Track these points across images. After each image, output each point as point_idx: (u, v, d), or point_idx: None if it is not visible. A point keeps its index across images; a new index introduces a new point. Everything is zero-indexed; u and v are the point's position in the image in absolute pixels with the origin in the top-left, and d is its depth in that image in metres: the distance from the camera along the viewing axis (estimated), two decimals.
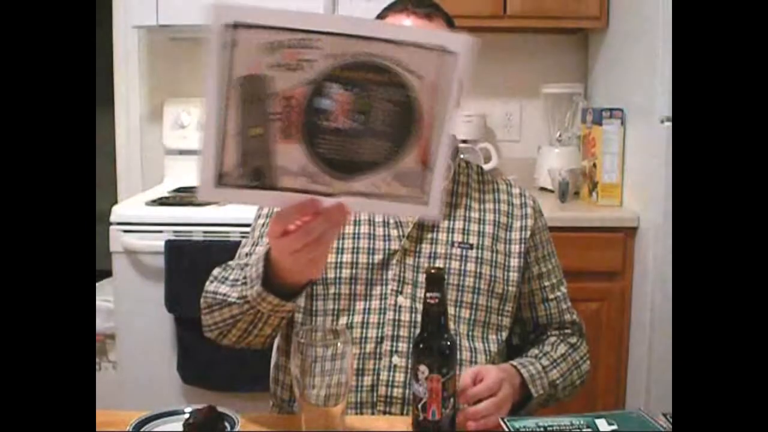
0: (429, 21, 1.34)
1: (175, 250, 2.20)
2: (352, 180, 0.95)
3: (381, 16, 1.38)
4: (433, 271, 1.10)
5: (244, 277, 1.18)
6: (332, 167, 0.94)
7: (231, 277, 1.24)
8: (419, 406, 1.09)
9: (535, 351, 1.38)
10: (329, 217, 0.96)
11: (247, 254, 1.36)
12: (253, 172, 0.93)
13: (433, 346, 1.09)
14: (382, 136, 0.94)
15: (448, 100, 0.94)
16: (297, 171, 0.93)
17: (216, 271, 1.30)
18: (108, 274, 2.36)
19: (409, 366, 1.21)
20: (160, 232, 2.23)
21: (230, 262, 1.29)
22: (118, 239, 2.24)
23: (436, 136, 0.95)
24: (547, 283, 1.42)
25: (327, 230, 0.98)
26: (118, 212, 2.29)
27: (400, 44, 0.91)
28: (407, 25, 1.33)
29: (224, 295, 1.22)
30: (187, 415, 1.10)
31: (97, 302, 2.49)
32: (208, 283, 1.29)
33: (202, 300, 1.29)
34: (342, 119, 0.92)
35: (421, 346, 1.09)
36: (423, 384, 1.08)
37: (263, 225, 1.39)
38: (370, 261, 1.32)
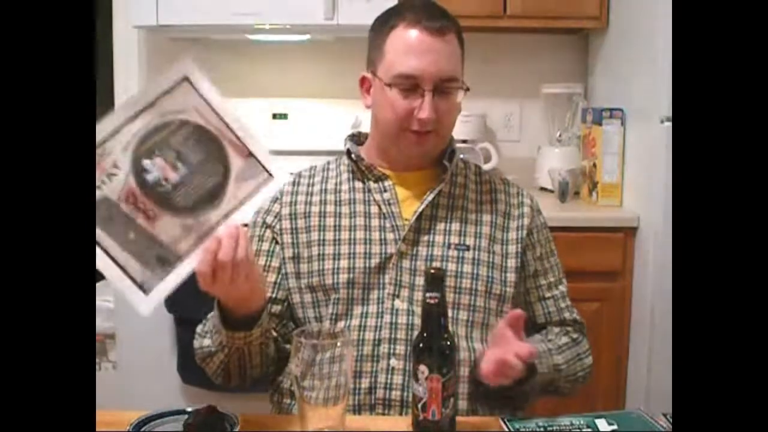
0: (442, 37, 1.31)
1: None
2: (219, 205, 1.13)
3: (392, 26, 1.34)
4: (432, 271, 1.10)
5: (213, 325, 1.24)
6: (198, 208, 1.12)
7: (207, 329, 1.29)
8: (419, 406, 1.08)
9: (539, 336, 1.38)
10: (230, 240, 1.10)
11: None
12: (157, 262, 1.11)
13: (433, 346, 1.09)
14: (205, 162, 1.12)
15: (219, 103, 1.12)
16: (182, 233, 1.11)
17: (199, 328, 1.34)
18: None
19: (409, 366, 1.22)
20: None
21: (209, 315, 1.31)
22: None
23: (236, 131, 1.13)
24: (543, 282, 1.41)
25: (236, 248, 1.10)
26: None
27: (156, 102, 1.11)
28: (415, 36, 1.31)
29: (207, 347, 1.28)
30: (187, 415, 1.10)
31: (97, 302, 2.48)
32: (194, 341, 1.33)
33: (196, 357, 1.33)
34: (172, 175, 1.11)
35: (420, 346, 1.09)
36: (423, 384, 1.08)
37: (262, 225, 1.40)
38: (367, 265, 1.32)
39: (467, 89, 1.36)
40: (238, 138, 1.13)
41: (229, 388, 1.34)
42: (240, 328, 1.20)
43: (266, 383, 1.40)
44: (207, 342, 1.28)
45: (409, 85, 1.31)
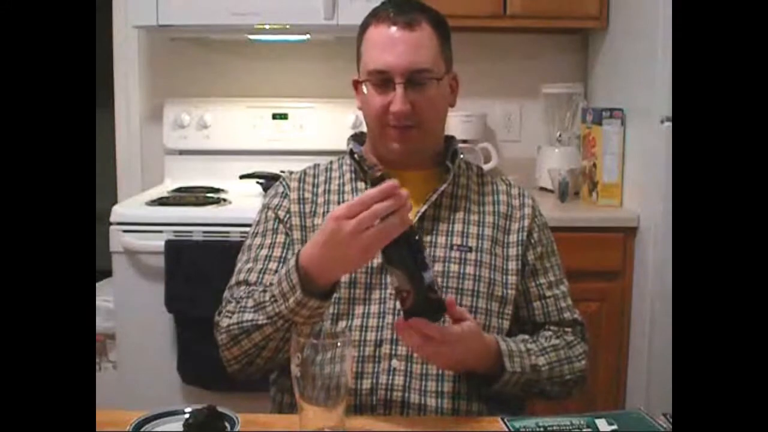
0: (410, 28, 1.32)
1: (175, 250, 2.20)
2: None
3: (366, 25, 1.36)
4: (378, 174, 1.15)
5: (272, 296, 1.18)
6: None
7: (249, 305, 1.23)
8: (432, 285, 1.11)
9: (525, 336, 1.36)
10: (399, 200, 1.05)
11: (259, 247, 1.37)
12: None
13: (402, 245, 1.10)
14: None
15: None
16: None
17: (232, 306, 1.28)
18: (108, 274, 2.36)
19: (411, 367, 1.23)
20: (160, 232, 2.23)
21: (235, 296, 1.30)
22: (118, 239, 2.24)
23: None
24: (543, 281, 1.40)
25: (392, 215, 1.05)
26: (118, 212, 2.29)
27: None
28: (384, 32, 1.32)
29: (251, 321, 1.22)
30: (187, 415, 1.10)
31: (97, 302, 2.49)
32: (224, 319, 1.27)
33: (223, 335, 1.27)
34: None
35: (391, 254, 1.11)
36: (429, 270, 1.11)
37: (275, 219, 1.39)
38: (369, 265, 1.31)
39: (454, 79, 1.39)
40: None
41: (229, 382, 1.33)
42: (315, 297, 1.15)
43: (255, 382, 1.39)
44: (249, 316, 1.22)
45: (382, 80, 1.32)
